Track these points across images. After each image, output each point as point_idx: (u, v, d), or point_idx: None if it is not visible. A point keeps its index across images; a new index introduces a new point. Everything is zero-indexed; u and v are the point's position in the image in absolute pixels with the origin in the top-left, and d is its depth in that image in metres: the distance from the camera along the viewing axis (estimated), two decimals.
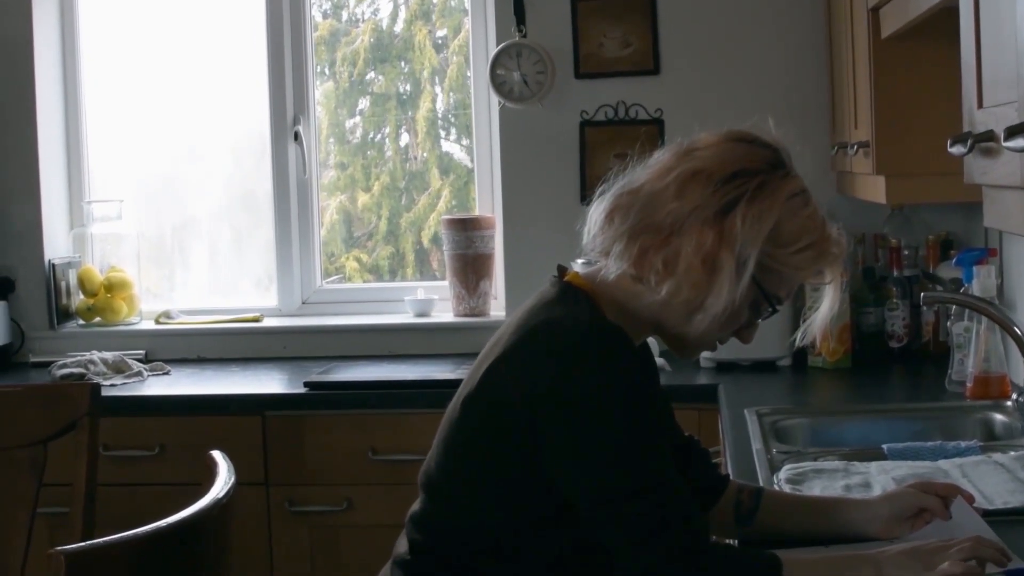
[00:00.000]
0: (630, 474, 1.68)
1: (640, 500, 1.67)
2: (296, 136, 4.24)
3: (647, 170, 1.80)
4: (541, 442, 1.72)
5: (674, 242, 1.72)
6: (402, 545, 1.89)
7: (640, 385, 1.72)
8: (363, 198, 4.42)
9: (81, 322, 4.21)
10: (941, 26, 2.26)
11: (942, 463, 2.32)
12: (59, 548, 1.50)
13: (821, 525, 1.92)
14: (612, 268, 1.78)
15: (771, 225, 1.72)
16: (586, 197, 3.98)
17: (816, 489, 2.16)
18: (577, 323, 1.75)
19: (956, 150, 1.62)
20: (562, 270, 1.88)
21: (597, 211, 1.81)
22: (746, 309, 1.77)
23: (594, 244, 1.81)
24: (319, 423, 3.50)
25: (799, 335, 1.90)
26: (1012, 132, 1.37)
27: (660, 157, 1.81)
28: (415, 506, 1.88)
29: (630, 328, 1.76)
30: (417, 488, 1.90)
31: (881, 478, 2.22)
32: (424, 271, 4.41)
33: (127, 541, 1.59)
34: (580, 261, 3.84)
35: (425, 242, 4.38)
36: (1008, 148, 1.39)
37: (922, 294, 2.83)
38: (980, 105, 1.62)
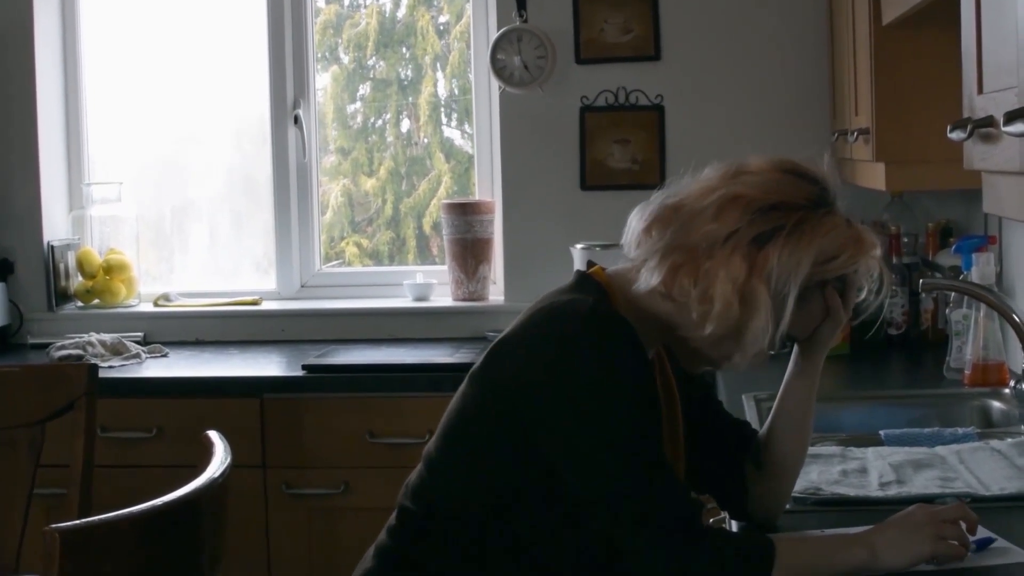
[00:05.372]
0: (622, 459, 1.69)
1: (633, 484, 1.68)
2: (296, 120, 4.23)
3: (693, 184, 1.79)
4: (534, 426, 1.72)
5: (706, 265, 1.71)
6: (394, 513, 1.90)
7: (637, 373, 1.71)
8: (367, 183, 4.41)
9: (80, 304, 4.21)
10: (942, 13, 2.25)
11: (939, 449, 2.32)
12: (54, 526, 1.50)
13: None
14: (643, 283, 1.77)
15: (808, 263, 1.71)
16: (586, 182, 4.00)
17: (813, 474, 2.16)
18: (578, 309, 1.75)
19: (956, 136, 1.62)
20: (590, 264, 1.89)
21: (639, 218, 1.80)
22: None
23: (630, 251, 1.81)
24: (317, 406, 3.50)
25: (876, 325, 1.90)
26: (1012, 117, 1.36)
27: (709, 174, 1.79)
28: (412, 475, 1.89)
29: (641, 328, 1.75)
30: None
31: (878, 463, 2.23)
32: (424, 256, 4.40)
33: (122, 520, 1.59)
34: (580, 246, 3.85)
35: (426, 228, 4.38)
36: (1008, 133, 1.38)
37: (921, 281, 2.83)
38: (980, 91, 1.62)
